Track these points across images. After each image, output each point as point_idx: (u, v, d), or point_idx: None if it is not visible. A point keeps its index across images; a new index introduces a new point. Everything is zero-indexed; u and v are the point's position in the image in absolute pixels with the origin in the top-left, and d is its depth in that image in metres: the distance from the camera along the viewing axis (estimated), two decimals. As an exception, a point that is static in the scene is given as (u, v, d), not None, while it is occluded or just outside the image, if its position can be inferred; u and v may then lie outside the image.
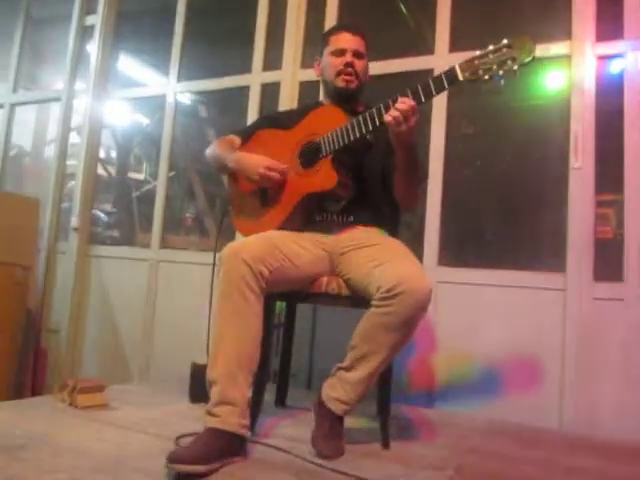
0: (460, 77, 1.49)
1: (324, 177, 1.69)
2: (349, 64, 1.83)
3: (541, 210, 2.42)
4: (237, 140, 1.94)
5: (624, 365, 2.09)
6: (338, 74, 1.85)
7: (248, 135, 1.96)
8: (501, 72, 1.44)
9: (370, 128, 1.62)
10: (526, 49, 1.41)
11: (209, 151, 1.96)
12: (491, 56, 1.46)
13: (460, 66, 1.49)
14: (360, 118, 1.63)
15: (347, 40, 1.87)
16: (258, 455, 1.48)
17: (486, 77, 1.46)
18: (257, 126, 2.01)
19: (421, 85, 1.54)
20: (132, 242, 3.71)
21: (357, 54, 1.86)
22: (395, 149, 1.63)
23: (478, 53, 1.48)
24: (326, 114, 1.79)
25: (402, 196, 1.80)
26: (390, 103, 1.56)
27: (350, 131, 1.65)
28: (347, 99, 1.87)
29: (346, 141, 1.65)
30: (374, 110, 1.61)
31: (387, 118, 1.53)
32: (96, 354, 3.28)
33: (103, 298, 3.30)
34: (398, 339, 1.49)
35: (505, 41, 1.44)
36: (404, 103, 1.52)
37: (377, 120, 1.60)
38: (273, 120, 2.00)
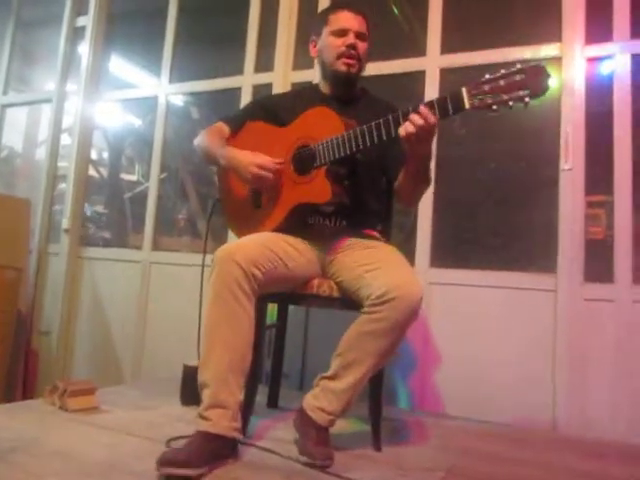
0: (466, 105, 1.35)
1: (318, 190, 1.63)
2: (352, 46, 1.73)
3: (532, 211, 2.43)
4: (226, 129, 1.87)
5: (615, 366, 2.10)
6: (339, 57, 1.75)
7: (239, 124, 1.89)
8: (511, 103, 1.30)
9: (368, 143, 1.52)
10: (542, 80, 1.28)
11: (198, 141, 1.88)
12: (502, 82, 1.31)
13: (467, 91, 1.34)
14: (358, 131, 1.53)
15: (349, 19, 1.76)
16: (250, 457, 1.48)
17: (494, 107, 1.32)
18: (248, 115, 1.92)
19: (425, 105, 1.40)
20: (124, 244, 3.69)
21: (360, 35, 1.75)
22: (407, 159, 1.55)
23: (487, 77, 1.33)
24: (320, 117, 1.67)
25: (405, 199, 1.75)
26: (400, 116, 1.45)
27: (347, 144, 1.55)
28: (346, 84, 1.80)
29: (342, 154, 1.57)
30: (373, 125, 1.50)
31: (401, 132, 1.41)
32: (87, 356, 3.27)
33: (95, 300, 3.29)
34: (386, 347, 1.47)
35: (518, 66, 1.31)
36: (421, 118, 1.38)
37: (376, 137, 1.50)
38: (267, 111, 1.90)
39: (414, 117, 1.39)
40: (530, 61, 1.35)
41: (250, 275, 1.48)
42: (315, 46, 1.85)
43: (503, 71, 1.32)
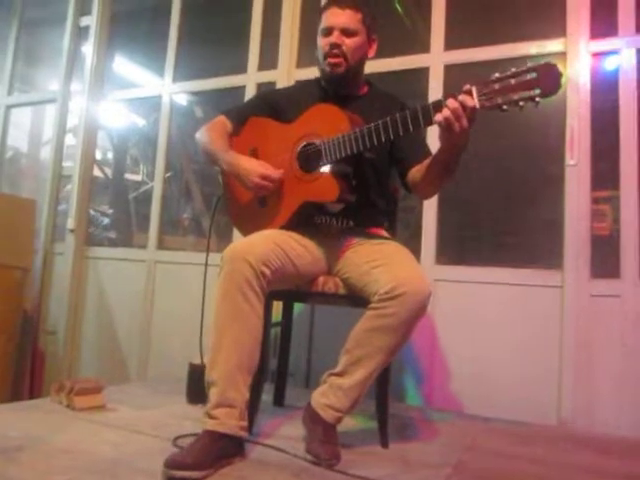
0: (476, 104, 1.32)
1: (324, 188, 1.60)
2: (334, 45, 1.68)
3: (537, 207, 2.42)
4: (228, 125, 1.84)
5: (622, 361, 2.10)
6: (325, 57, 1.72)
7: (242, 120, 1.85)
8: (522, 103, 1.26)
9: (375, 143, 1.49)
10: (554, 79, 1.24)
11: (199, 136, 1.84)
12: (512, 81, 1.27)
13: (477, 89, 1.31)
14: (365, 131, 1.50)
15: (334, 16, 1.71)
16: (257, 455, 1.47)
17: (504, 107, 1.28)
18: (251, 110, 1.88)
19: (432, 104, 1.39)
20: (129, 243, 3.70)
21: (345, 31, 1.69)
22: (441, 146, 1.48)
23: (497, 75, 1.29)
24: (326, 114, 1.65)
25: (424, 190, 1.69)
26: (407, 115, 1.43)
27: (354, 143, 1.53)
28: (337, 83, 1.77)
29: (349, 152, 1.54)
30: (380, 125, 1.48)
31: (438, 118, 1.35)
32: (94, 355, 3.28)
33: (100, 299, 3.30)
34: (394, 342, 1.47)
35: (529, 65, 1.26)
36: (456, 102, 1.33)
37: (383, 137, 1.48)
38: (270, 105, 1.86)
39: (451, 102, 1.33)
40: (539, 57, 1.32)
41: (260, 274, 1.46)
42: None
43: (514, 69, 1.28)
